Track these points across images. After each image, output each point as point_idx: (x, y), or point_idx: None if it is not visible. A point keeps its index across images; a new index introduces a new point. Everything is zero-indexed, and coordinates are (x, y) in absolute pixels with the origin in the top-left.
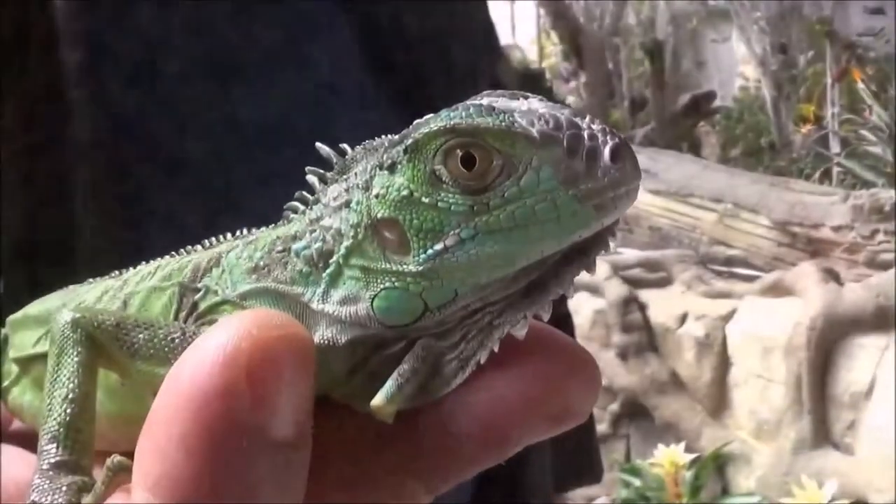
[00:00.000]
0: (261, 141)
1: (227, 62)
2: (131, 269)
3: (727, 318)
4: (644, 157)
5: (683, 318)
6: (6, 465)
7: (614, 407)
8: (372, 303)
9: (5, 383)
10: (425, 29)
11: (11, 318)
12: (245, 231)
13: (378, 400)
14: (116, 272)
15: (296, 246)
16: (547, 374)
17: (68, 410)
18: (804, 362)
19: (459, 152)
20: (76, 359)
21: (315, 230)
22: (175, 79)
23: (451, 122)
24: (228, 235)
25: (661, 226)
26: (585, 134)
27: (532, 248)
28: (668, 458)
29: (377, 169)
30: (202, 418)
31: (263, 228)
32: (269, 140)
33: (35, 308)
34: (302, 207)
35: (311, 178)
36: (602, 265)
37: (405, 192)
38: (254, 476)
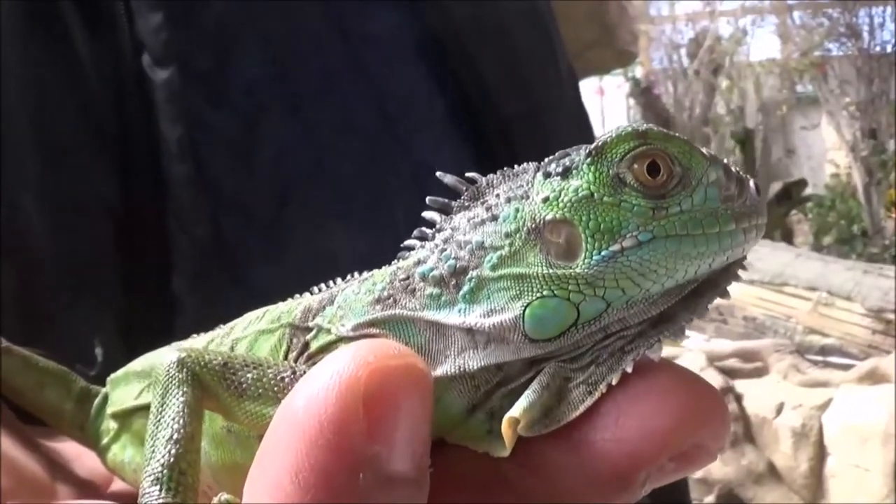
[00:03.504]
0: (361, 213)
1: (318, 130)
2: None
3: (823, 407)
4: None
5: (780, 408)
6: None
7: (710, 499)
8: (524, 312)
9: (104, 441)
10: (475, 18)
11: (112, 375)
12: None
13: (515, 411)
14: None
15: (420, 269)
16: (675, 410)
17: (172, 451)
18: None
19: (647, 160)
20: (181, 399)
21: (446, 249)
22: (273, 154)
23: (643, 129)
24: (338, 280)
25: (756, 315)
26: (732, 167)
27: (694, 261)
28: None
29: (541, 178)
30: (317, 449)
31: (376, 270)
32: (370, 213)
33: (137, 364)
34: (419, 243)
35: (430, 214)
36: (697, 356)
37: (584, 193)
38: None
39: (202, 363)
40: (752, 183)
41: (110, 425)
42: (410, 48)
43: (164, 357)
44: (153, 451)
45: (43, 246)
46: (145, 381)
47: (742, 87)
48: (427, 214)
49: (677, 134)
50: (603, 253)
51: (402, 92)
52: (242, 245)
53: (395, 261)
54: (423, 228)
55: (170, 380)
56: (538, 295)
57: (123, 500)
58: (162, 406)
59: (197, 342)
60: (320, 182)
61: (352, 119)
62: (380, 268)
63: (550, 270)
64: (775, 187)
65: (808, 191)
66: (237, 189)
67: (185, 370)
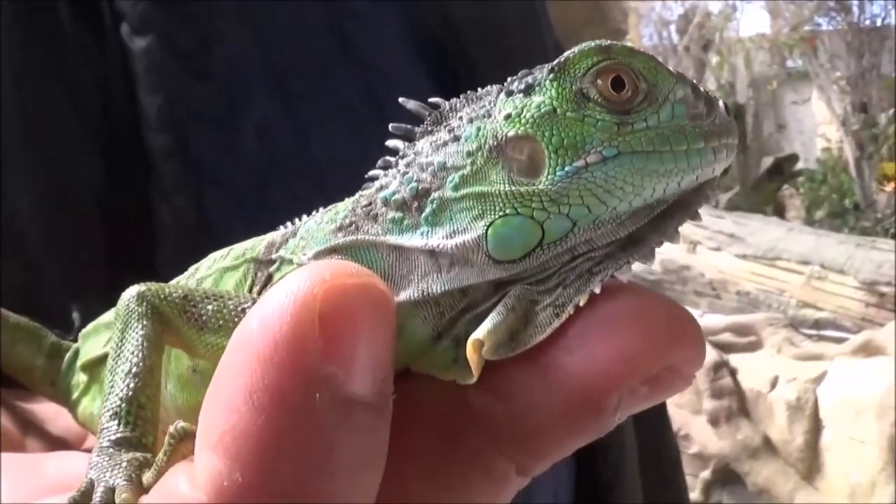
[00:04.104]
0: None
1: (303, 108)
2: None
3: (818, 380)
4: (730, 222)
5: (774, 382)
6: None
7: (706, 474)
8: (487, 231)
9: (74, 395)
10: (476, 19)
11: (84, 330)
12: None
13: (479, 333)
14: None
15: (382, 194)
16: (646, 331)
17: (131, 385)
18: None
19: (611, 74)
20: (141, 332)
21: (408, 173)
22: (256, 131)
23: (606, 44)
24: (304, 217)
25: (749, 290)
26: (700, 86)
27: (662, 179)
28: None
29: (503, 97)
30: (271, 368)
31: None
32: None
33: (108, 315)
34: (383, 172)
35: (394, 142)
36: None
37: (547, 109)
38: (328, 437)
39: (162, 296)
40: (721, 103)
41: (80, 378)
42: (400, 30)
43: (124, 293)
44: (112, 386)
45: (41, 247)
46: (112, 330)
47: (732, 63)
48: (391, 143)
49: (642, 50)
50: (566, 168)
51: (390, 72)
52: (225, 220)
53: (360, 191)
54: (388, 157)
55: (129, 314)
56: (501, 213)
57: None
58: (121, 341)
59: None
60: (304, 161)
61: (338, 100)
62: None
63: (513, 188)
64: (767, 162)
65: (800, 165)
66: (219, 164)
67: (144, 303)
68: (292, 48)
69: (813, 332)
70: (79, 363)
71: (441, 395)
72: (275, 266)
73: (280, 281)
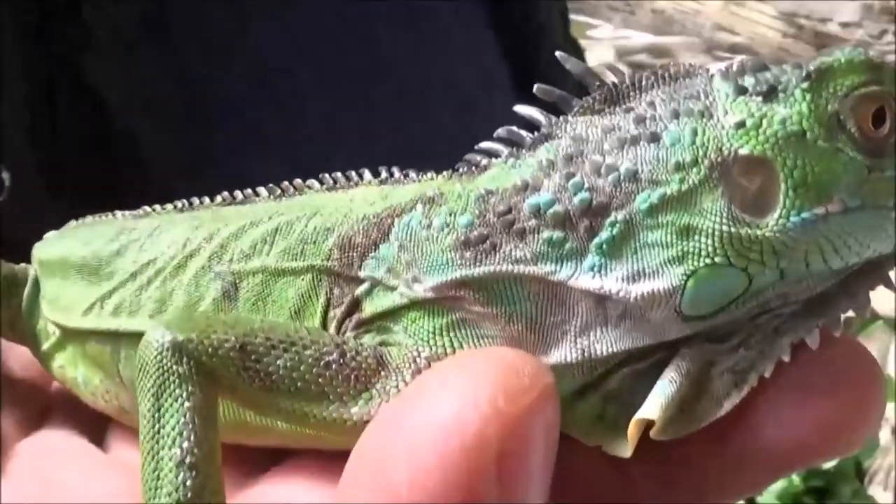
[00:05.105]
0: (324, 68)
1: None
2: (206, 199)
3: None
4: None
5: None
6: (67, 479)
7: None
8: (685, 282)
9: (45, 346)
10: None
11: (42, 252)
12: (387, 174)
13: (649, 411)
14: (181, 203)
15: (532, 200)
16: (847, 401)
17: (188, 482)
18: None
19: (874, 104)
20: (188, 404)
21: (574, 174)
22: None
23: (878, 62)
24: (367, 174)
25: (664, 9)
26: None
27: (885, 240)
28: None
29: (730, 92)
30: None
31: (430, 174)
32: (337, 65)
33: (77, 246)
34: (506, 151)
35: (528, 110)
36: (606, 49)
37: (794, 129)
38: None
39: (210, 349)
40: None
41: (49, 328)
42: None
43: (150, 337)
44: (158, 480)
45: None
46: (91, 282)
47: None
48: (524, 111)
49: None
50: (804, 215)
51: None
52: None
53: (462, 169)
54: (514, 128)
55: (164, 375)
56: (708, 260)
57: (68, 409)
58: (158, 412)
59: (159, 244)
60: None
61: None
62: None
63: (731, 228)
64: None
65: None
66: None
67: (186, 360)
68: None
69: (729, 55)
70: (46, 311)
71: (582, 463)
72: (363, 288)
73: (419, 397)
